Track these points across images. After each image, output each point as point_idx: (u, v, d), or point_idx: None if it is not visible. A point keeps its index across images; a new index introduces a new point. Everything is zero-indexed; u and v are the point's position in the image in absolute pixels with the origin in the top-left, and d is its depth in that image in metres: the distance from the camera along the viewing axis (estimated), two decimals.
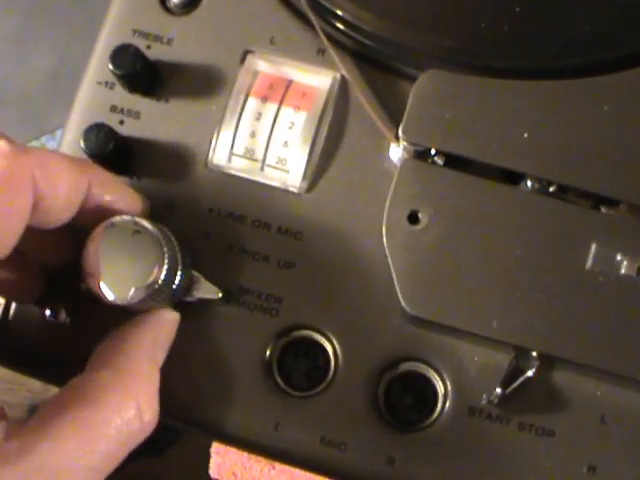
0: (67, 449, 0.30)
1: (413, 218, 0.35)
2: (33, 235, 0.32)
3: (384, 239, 0.35)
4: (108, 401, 0.31)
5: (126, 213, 0.34)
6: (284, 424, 0.36)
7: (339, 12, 0.37)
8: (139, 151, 0.38)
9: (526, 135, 0.35)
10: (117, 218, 0.33)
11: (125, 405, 0.31)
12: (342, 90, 0.38)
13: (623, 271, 0.34)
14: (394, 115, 0.37)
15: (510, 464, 0.35)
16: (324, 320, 0.36)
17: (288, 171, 0.37)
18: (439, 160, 0.35)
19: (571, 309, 0.34)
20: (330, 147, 0.37)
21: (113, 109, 0.39)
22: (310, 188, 0.37)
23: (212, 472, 0.53)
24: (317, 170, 0.37)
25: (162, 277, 0.33)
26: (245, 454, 0.51)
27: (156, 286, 0.33)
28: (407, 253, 0.35)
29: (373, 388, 0.36)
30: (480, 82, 0.35)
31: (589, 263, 0.34)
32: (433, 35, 0.37)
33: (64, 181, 0.32)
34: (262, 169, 0.37)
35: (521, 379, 0.34)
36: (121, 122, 0.39)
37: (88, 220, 0.33)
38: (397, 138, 0.36)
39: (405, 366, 0.36)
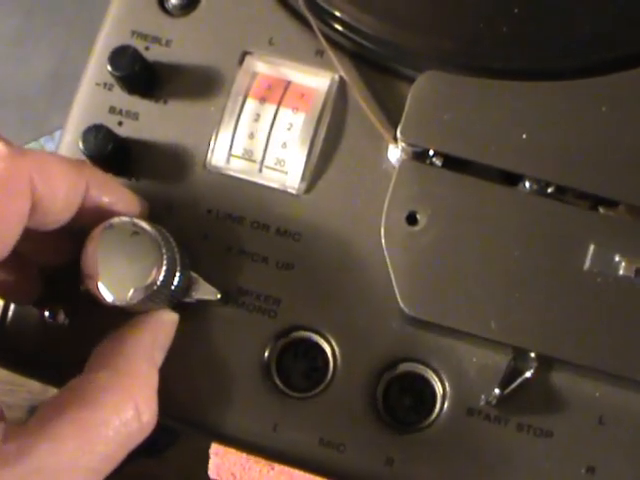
0: (66, 450, 0.30)
1: (411, 219, 0.35)
2: (31, 236, 0.32)
3: (382, 240, 0.35)
4: (107, 402, 0.31)
5: (124, 214, 0.34)
6: (283, 425, 0.36)
7: (337, 13, 0.37)
8: (138, 152, 0.38)
9: (524, 136, 0.35)
10: (115, 219, 0.33)
11: (123, 406, 0.31)
12: (340, 91, 0.38)
13: (621, 272, 0.34)
14: (392, 116, 0.37)
15: (508, 465, 0.35)
16: (323, 321, 0.36)
17: (287, 172, 0.37)
18: (437, 161, 0.35)
19: (569, 310, 0.34)
20: (328, 148, 0.37)
21: (112, 110, 0.39)
22: (309, 189, 0.37)
23: (211, 473, 0.53)
24: (315, 171, 0.37)
25: (161, 278, 0.33)
26: (244, 455, 0.51)
27: (155, 287, 0.33)
28: (405, 254, 0.35)
29: (372, 389, 0.36)
30: (478, 83, 0.35)
31: (587, 264, 0.34)
32: (431, 36, 0.37)
33: (62, 183, 0.32)
34: (260, 170, 0.37)
35: (519, 380, 0.34)
36: (120, 123, 0.39)
37: (86, 221, 0.34)
38: (395, 139, 0.36)
39: (404, 367, 0.36)
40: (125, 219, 0.34)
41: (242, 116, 0.38)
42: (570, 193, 0.35)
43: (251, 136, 0.37)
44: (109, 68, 0.37)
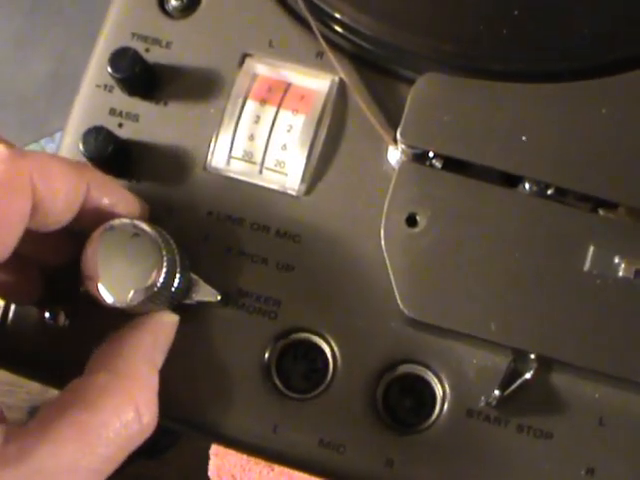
0: (66, 452, 0.30)
1: (411, 221, 0.35)
2: (32, 237, 0.32)
3: (382, 242, 0.35)
4: (107, 404, 0.31)
5: (125, 216, 0.34)
6: (283, 426, 0.36)
7: (337, 15, 0.37)
8: (138, 154, 0.38)
9: (524, 138, 0.35)
10: (116, 221, 0.33)
11: (124, 408, 0.31)
12: (340, 93, 0.38)
13: (621, 274, 0.34)
14: (392, 118, 0.37)
15: (508, 466, 0.35)
16: (323, 322, 0.36)
17: (287, 174, 0.37)
18: (437, 163, 0.36)
19: (569, 311, 0.34)
20: (328, 150, 0.37)
21: (112, 112, 0.39)
22: (309, 191, 0.37)
23: (211, 474, 0.53)
24: (315, 173, 0.37)
25: (161, 280, 0.33)
26: (244, 456, 0.51)
27: (155, 289, 0.33)
28: (405, 256, 0.35)
29: (372, 390, 0.36)
30: (478, 85, 0.35)
31: (587, 266, 0.34)
32: (431, 38, 0.37)
33: (63, 184, 0.32)
34: (261, 172, 0.37)
35: (519, 381, 0.34)
36: (120, 125, 0.39)
37: (87, 223, 0.34)
38: (395, 141, 0.36)
39: (403, 368, 0.36)
40: (125, 221, 0.34)
41: (242, 118, 0.38)
42: (570, 195, 0.35)
43: (251, 138, 0.37)
44: (109, 70, 0.37)
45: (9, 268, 0.34)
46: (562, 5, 0.36)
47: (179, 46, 0.39)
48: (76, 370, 0.33)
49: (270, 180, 0.37)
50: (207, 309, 0.37)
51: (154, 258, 0.33)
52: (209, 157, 0.38)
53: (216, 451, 0.53)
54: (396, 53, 0.37)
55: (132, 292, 0.33)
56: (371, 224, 0.36)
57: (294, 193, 0.37)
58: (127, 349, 0.33)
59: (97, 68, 0.39)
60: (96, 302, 0.33)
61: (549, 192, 0.35)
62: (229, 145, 0.38)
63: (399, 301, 0.35)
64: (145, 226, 0.34)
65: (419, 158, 0.36)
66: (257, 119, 0.37)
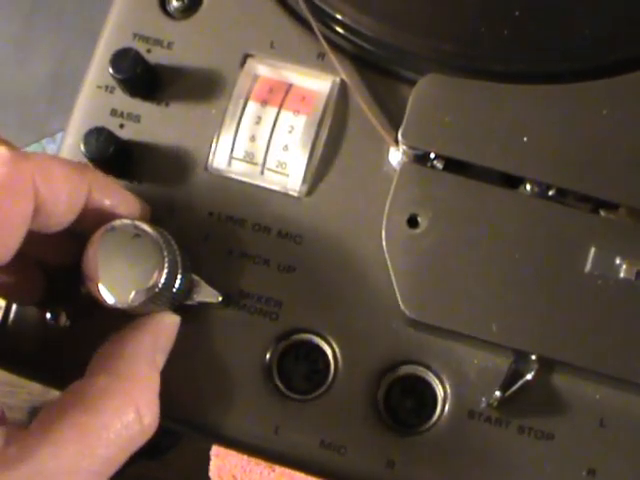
0: (67, 453, 0.30)
1: (413, 222, 0.35)
2: (34, 238, 0.32)
3: (383, 243, 0.35)
4: (107, 406, 0.31)
5: (126, 217, 0.34)
6: (284, 427, 0.36)
7: (339, 16, 0.38)
8: (139, 155, 0.38)
9: (525, 139, 0.35)
10: (117, 222, 0.34)
11: (125, 409, 0.31)
12: (342, 94, 0.38)
13: (622, 275, 0.34)
14: (394, 119, 0.37)
15: (509, 467, 0.35)
16: (324, 323, 0.36)
17: (288, 175, 0.37)
18: (438, 164, 0.36)
19: (570, 312, 0.34)
20: (330, 151, 0.37)
21: (113, 113, 0.39)
22: (310, 192, 0.37)
23: (212, 475, 0.53)
24: (317, 174, 0.37)
25: (162, 281, 0.33)
26: (245, 457, 0.51)
27: (156, 289, 0.33)
28: (406, 257, 0.35)
29: (373, 391, 0.36)
30: (480, 86, 0.35)
31: (588, 267, 0.34)
32: (433, 39, 0.37)
33: (65, 186, 0.32)
34: (262, 173, 0.37)
35: (520, 382, 0.34)
36: (121, 126, 0.39)
37: (88, 224, 0.34)
38: (396, 142, 0.36)
39: (404, 369, 0.36)
40: (127, 221, 0.34)
41: (243, 119, 0.38)
42: (571, 196, 0.35)
43: (252, 139, 0.37)
44: (111, 71, 0.37)
45: (11, 268, 0.34)
46: (563, 6, 0.36)
47: (180, 47, 0.39)
48: (77, 371, 0.33)
49: (271, 181, 0.37)
50: (208, 310, 0.37)
51: (155, 259, 0.33)
52: (210, 158, 0.38)
53: (217, 452, 0.53)
54: (397, 54, 0.37)
55: (133, 293, 0.33)
56: (372, 225, 0.36)
57: (295, 194, 0.37)
58: (128, 350, 0.33)
59: (98, 69, 0.39)
60: (97, 303, 0.33)
61: (550, 193, 0.35)
62: (230, 146, 0.38)
63: (400, 302, 0.35)
64: (146, 227, 0.34)
65: (420, 159, 0.36)
66: (258, 120, 0.37)
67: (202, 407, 0.36)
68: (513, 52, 0.36)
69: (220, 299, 0.36)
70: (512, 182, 0.35)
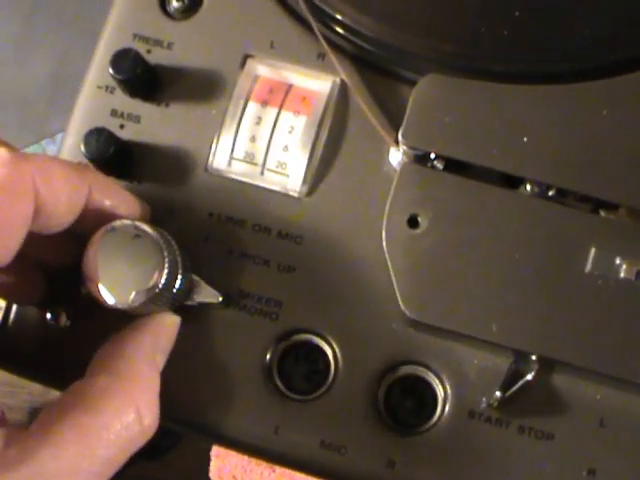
0: (67, 454, 0.30)
1: (413, 222, 0.35)
2: (34, 239, 0.32)
3: (384, 243, 0.35)
4: (108, 406, 0.31)
5: (126, 217, 0.34)
6: (284, 427, 0.36)
7: (339, 16, 0.38)
8: (139, 155, 0.38)
9: (525, 139, 0.35)
10: (117, 222, 0.34)
11: (125, 410, 0.31)
12: (342, 94, 0.38)
13: (622, 275, 0.34)
14: (394, 119, 0.37)
15: (509, 467, 0.35)
16: (324, 324, 0.36)
17: (288, 175, 0.37)
18: (439, 164, 0.36)
19: (570, 312, 0.34)
20: (330, 151, 0.37)
21: (113, 113, 0.39)
22: (310, 192, 0.37)
23: (212, 475, 0.53)
24: (317, 174, 0.37)
25: (162, 281, 0.33)
26: (245, 457, 0.51)
27: (156, 290, 0.33)
28: (407, 257, 0.35)
29: (373, 391, 0.36)
30: (480, 86, 0.35)
31: (588, 267, 0.34)
32: (433, 39, 0.37)
33: (65, 187, 0.32)
34: (262, 173, 0.37)
35: (521, 382, 0.34)
36: (121, 126, 0.39)
37: (88, 225, 0.34)
38: (397, 142, 0.36)
39: (405, 369, 0.36)
40: (127, 222, 0.34)
41: (244, 119, 0.38)
42: (571, 196, 0.35)
43: (252, 139, 0.37)
44: (111, 71, 0.37)
45: (11, 269, 0.34)
46: (563, 6, 0.36)
47: (181, 47, 0.39)
48: (77, 371, 0.33)
49: (271, 181, 0.37)
50: (208, 310, 0.37)
51: (155, 259, 0.33)
52: (210, 158, 0.38)
53: (217, 452, 0.53)
54: (397, 54, 0.37)
55: (133, 293, 0.33)
56: (372, 225, 0.36)
57: (296, 194, 0.37)
58: (128, 351, 0.33)
59: (98, 69, 0.39)
60: (97, 303, 0.33)
61: (550, 193, 0.35)
62: (230, 146, 0.38)
63: (400, 302, 0.35)
64: (146, 227, 0.34)
65: (420, 159, 0.36)
66: (258, 120, 0.37)
67: (202, 407, 0.36)
68: (513, 52, 0.36)
69: (220, 299, 0.36)
70: (512, 182, 0.35)
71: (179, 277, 0.34)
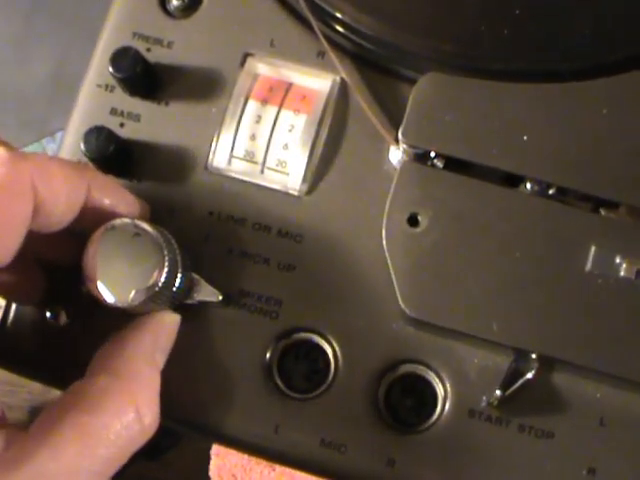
0: (67, 455, 0.30)
1: (413, 221, 0.35)
2: (34, 238, 0.32)
3: (384, 242, 0.35)
4: (108, 406, 0.31)
5: (126, 216, 0.34)
6: (284, 426, 0.36)
7: (339, 15, 0.38)
8: (139, 154, 0.38)
9: (525, 138, 0.35)
10: (117, 221, 0.33)
11: (124, 409, 0.31)
12: (342, 93, 0.38)
13: (622, 273, 0.34)
14: (394, 118, 0.37)
15: (509, 466, 0.35)
16: (324, 322, 0.36)
17: (288, 174, 0.37)
18: (439, 163, 0.36)
19: (570, 311, 0.34)
20: (330, 150, 0.37)
21: (113, 112, 0.39)
22: (310, 191, 0.37)
23: (212, 474, 0.53)
24: (317, 173, 0.37)
25: (162, 279, 0.33)
26: (245, 456, 0.51)
27: (156, 288, 0.33)
28: (407, 255, 0.35)
29: (373, 390, 0.36)
30: (480, 85, 0.35)
31: (588, 265, 0.34)
32: (433, 38, 0.37)
33: (64, 186, 0.32)
34: (262, 172, 0.37)
35: (521, 381, 0.34)
36: (121, 125, 0.39)
37: (88, 223, 0.34)
38: (397, 141, 0.36)
39: (405, 368, 0.36)
40: (126, 220, 0.34)
41: (244, 118, 0.38)
42: (571, 194, 0.35)
43: (252, 138, 0.37)
44: (111, 70, 0.37)
45: (11, 268, 0.34)
46: (563, 5, 0.36)
47: (180, 46, 0.39)
48: (77, 370, 0.33)
49: (272, 180, 0.37)
50: (208, 309, 0.37)
51: (155, 258, 0.33)
52: (210, 157, 0.38)
53: (217, 451, 0.53)
54: (397, 53, 0.37)
55: (133, 292, 0.33)
56: (372, 224, 0.36)
57: (296, 193, 0.37)
58: (128, 350, 0.33)
59: (98, 68, 0.39)
60: (97, 302, 0.33)
61: (550, 192, 0.35)
62: (230, 145, 0.38)
63: (400, 301, 0.35)
64: (146, 226, 0.34)
65: (421, 158, 0.36)
66: (258, 119, 0.37)
67: (202, 406, 0.36)
68: (513, 51, 0.36)
69: (220, 298, 0.36)
70: (512, 181, 0.35)
71: (179, 276, 0.34)
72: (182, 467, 0.63)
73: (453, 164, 0.35)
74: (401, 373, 0.36)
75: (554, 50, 0.36)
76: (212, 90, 0.38)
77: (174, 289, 0.34)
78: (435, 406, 0.36)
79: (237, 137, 0.38)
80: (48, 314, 0.37)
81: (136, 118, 0.39)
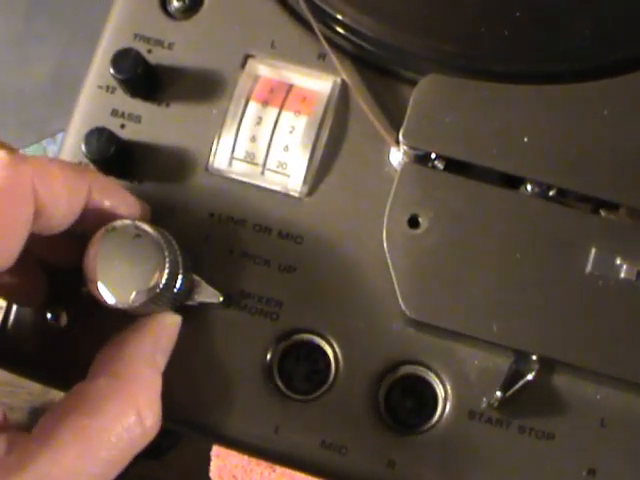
0: (68, 458, 0.30)
1: (413, 222, 0.35)
2: (35, 240, 0.32)
3: (384, 243, 0.35)
4: (108, 409, 0.31)
5: (127, 217, 0.34)
6: (284, 427, 0.36)
7: (339, 16, 0.38)
8: (140, 155, 0.38)
9: (526, 139, 0.35)
10: (118, 222, 0.33)
11: (125, 412, 0.31)
12: (342, 94, 0.38)
13: (622, 275, 0.34)
14: (394, 119, 0.37)
15: (510, 467, 0.35)
16: (324, 323, 0.36)
17: (289, 175, 0.37)
18: (439, 164, 0.36)
19: (571, 313, 0.34)
20: (330, 151, 0.37)
21: (114, 113, 0.39)
22: (311, 192, 0.37)
23: (212, 475, 0.53)
24: (318, 174, 0.37)
25: (163, 281, 0.33)
26: (245, 457, 0.51)
27: (157, 290, 0.33)
28: (407, 257, 0.35)
29: (373, 391, 0.36)
30: (480, 86, 0.35)
31: (589, 267, 0.34)
32: (433, 39, 0.37)
33: (64, 188, 0.32)
34: (263, 173, 0.37)
35: (521, 382, 0.34)
36: (122, 126, 0.39)
37: (89, 225, 0.34)
38: (397, 142, 0.36)
39: (405, 369, 0.36)
40: (127, 222, 0.34)
41: (244, 119, 0.38)
42: (571, 196, 0.35)
43: (253, 139, 0.37)
44: (111, 71, 0.37)
45: (13, 271, 0.34)
46: (563, 6, 0.37)
47: (181, 47, 0.39)
48: (78, 371, 0.33)
49: (272, 181, 0.37)
50: (209, 310, 0.37)
51: (156, 259, 0.33)
52: (211, 158, 0.38)
53: (217, 452, 0.53)
54: (398, 54, 0.37)
55: (134, 293, 0.33)
56: (373, 225, 0.36)
57: (296, 194, 0.37)
58: (128, 352, 0.33)
59: (99, 69, 0.39)
60: (98, 303, 0.33)
61: (551, 193, 0.35)
62: (231, 146, 0.38)
63: (401, 302, 0.35)
64: (147, 227, 0.34)
65: (421, 159, 0.36)
66: (259, 120, 0.37)
67: (203, 407, 0.36)
68: (514, 52, 0.36)
69: (221, 299, 0.36)
70: (513, 182, 0.35)
71: (180, 277, 0.34)
72: (182, 468, 0.63)
73: (454, 165, 0.35)
74: (401, 374, 0.36)
75: (554, 51, 0.36)
76: (213, 91, 0.38)
77: (175, 290, 0.34)
78: (435, 407, 0.36)
79: (238, 138, 0.38)
80: (49, 315, 0.37)
81: (137, 119, 0.39)
